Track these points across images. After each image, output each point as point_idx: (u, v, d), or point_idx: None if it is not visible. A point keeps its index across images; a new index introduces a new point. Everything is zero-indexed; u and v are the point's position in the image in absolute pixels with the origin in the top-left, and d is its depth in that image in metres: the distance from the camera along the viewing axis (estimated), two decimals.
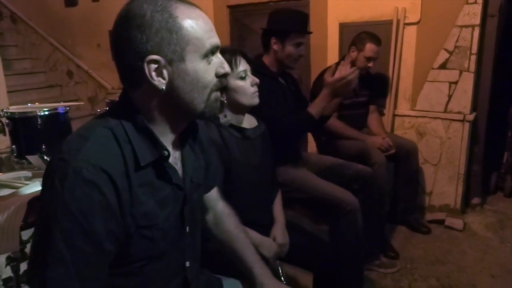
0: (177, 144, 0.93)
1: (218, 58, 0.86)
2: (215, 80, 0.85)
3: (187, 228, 0.94)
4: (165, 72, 0.79)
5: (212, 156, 1.13)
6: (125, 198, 0.77)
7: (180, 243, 0.93)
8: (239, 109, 1.49)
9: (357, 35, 2.58)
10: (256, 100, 1.48)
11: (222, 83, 0.87)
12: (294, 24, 2.02)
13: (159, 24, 0.77)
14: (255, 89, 1.46)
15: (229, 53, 1.39)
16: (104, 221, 0.74)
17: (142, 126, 0.83)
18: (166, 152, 0.84)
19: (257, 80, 1.46)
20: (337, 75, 1.69)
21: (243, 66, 1.43)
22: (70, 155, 0.74)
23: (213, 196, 1.18)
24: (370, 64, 2.56)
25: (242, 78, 1.43)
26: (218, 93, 0.87)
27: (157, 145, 0.83)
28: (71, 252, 0.72)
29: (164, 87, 0.80)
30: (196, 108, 0.84)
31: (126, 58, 0.79)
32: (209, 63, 0.83)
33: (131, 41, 0.78)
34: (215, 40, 0.84)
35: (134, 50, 0.78)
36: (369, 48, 2.50)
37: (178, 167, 0.92)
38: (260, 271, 1.10)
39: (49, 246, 0.72)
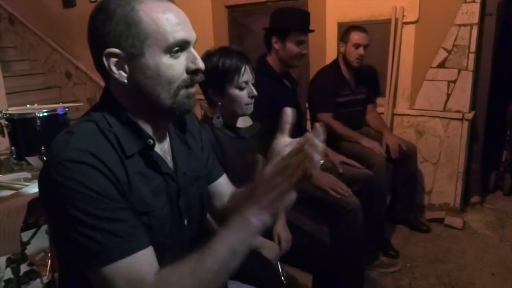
0: (164, 137, 0.93)
1: (190, 53, 0.84)
2: (184, 76, 0.83)
3: (185, 221, 0.94)
4: (126, 66, 0.80)
5: (210, 149, 1.13)
6: (123, 182, 0.78)
7: (180, 236, 0.93)
8: (232, 115, 1.49)
9: (344, 31, 2.61)
10: (249, 111, 1.49)
11: (194, 79, 0.85)
12: (294, 22, 2.02)
13: (119, 17, 0.78)
14: (250, 100, 1.46)
15: (238, 59, 1.39)
16: (113, 193, 0.75)
17: (124, 116, 0.83)
18: (151, 141, 0.84)
19: (255, 93, 1.46)
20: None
21: (246, 76, 1.42)
22: (59, 149, 0.75)
23: (225, 188, 1.13)
24: (361, 52, 2.50)
25: (241, 88, 1.43)
26: (191, 90, 0.85)
27: (141, 134, 0.84)
28: (102, 222, 0.72)
29: (125, 81, 0.80)
30: (162, 103, 0.83)
31: (93, 51, 0.81)
32: (176, 58, 0.81)
33: (95, 34, 0.80)
34: (181, 34, 0.80)
35: (97, 43, 0.79)
36: (354, 35, 2.50)
37: (169, 160, 0.92)
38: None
39: (82, 230, 0.71)
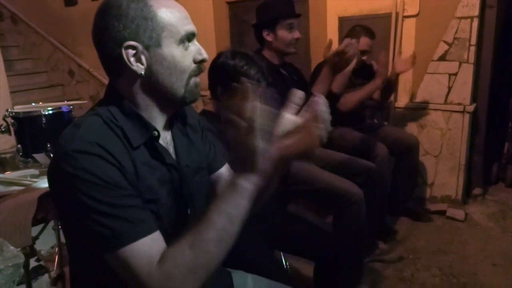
0: (167, 130, 0.96)
1: (195, 45, 0.90)
2: (193, 65, 0.89)
3: (189, 210, 0.97)
4: (143, 57, 0.83)
5: (211, 139, 1.14)
6: (130, 171, 0.81)
7: (183, 225, 0.95)
8: None
9: (351, 29, 2.60)
10: None
11: (201, 69, 0.91)
12: (280, 10, 2.04)
13: (135, 12, 0.82)
14: None
15: (261, 75, 1.41)
16: (122, 182, 0.77)
17: (129, 110, 0.86)
18: (156, 132, 0.88)
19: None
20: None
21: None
22: (67, 142, 0.78)
23: (227, 174, 1.15)
24: (364, 58, 2.58)
25: None
26: (197, 79, 0.91)
27: (146, 126, 0.87)
28: (114, 208, 0.75)
29: (143, 72, 0.84)
30: (176, 93, 0.88)
31: (106, 47, 0.84)
32: (186, 49, 0.87)
33: (109, 31, 0.83)
34: (190, 27, 0.87)
35: (113, 38, 0.82)
36: (363, 41, 2.52)
37: (171, 151, 0.95)
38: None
39: (95, 217, 0.74)
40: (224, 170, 1.15)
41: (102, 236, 0.75)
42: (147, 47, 0.83)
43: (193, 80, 0.90)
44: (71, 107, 1.99)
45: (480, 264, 2.29)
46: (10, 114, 1.89)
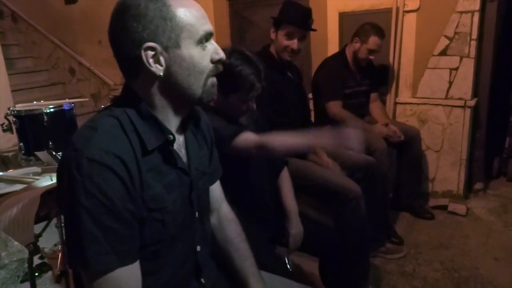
0: (180, 132, 0.96)
1: (212, 44, 0.89)
2: (210, 65, 0.88)
3: (196, 213, 0.98)
4: (162, 58, 0.82)
5: (215, 148, 1.15)
6: (136, 181, 0.81)
7: (191, 227, 0.96)
8: (225, 112, 1.52)
9: (362, 26, 2.57)
10: (240, 117, 1.52)
11: (218, 68, 0.90)
12: (288, 15, 2.03)
13: (153, 12, 0.80)
14: (245, 111, 1.49)
15: (255, 76, 1.40)
16: (123, 201, 0.78)
17: (146, 112, 0.86)
18: (171, 136, 0.88)
19: (253, 108, 1.49)
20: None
21: (253, 94, 1.44)
22: (82, 145, 0.78)
23: (217, 196, 1.18)
24: (372, 57, 2.58)
25: (243, 101, 1.45)
26: (214, 79, 0.90)
27: (162, 130, 0.87)
28: (102, 231, 0.76)
29: (161, 74, 0.83)
30: (194, 93, 0.87)
31: (124, 48, 0.83)
32: (204, 49, 0.86)
33: (127, 31, 0.81)
34: (208, 26, 0.86)
35: (131, 39, 0.81)
36: (373, 41, 2.50)
37: (183, 154, 0.95)
38: (256, 285, 1.11)
39: (81, 230, 0.75)
40: (216, 188, 1.16)
41: (82, 252, 0.76)
42: (166, 48, 0.82)
43: (210, 80, 0.89)
44: (73, 105, 2.00)
45: (481, 258, 2.29)
46: (12, 113, 1.90)
